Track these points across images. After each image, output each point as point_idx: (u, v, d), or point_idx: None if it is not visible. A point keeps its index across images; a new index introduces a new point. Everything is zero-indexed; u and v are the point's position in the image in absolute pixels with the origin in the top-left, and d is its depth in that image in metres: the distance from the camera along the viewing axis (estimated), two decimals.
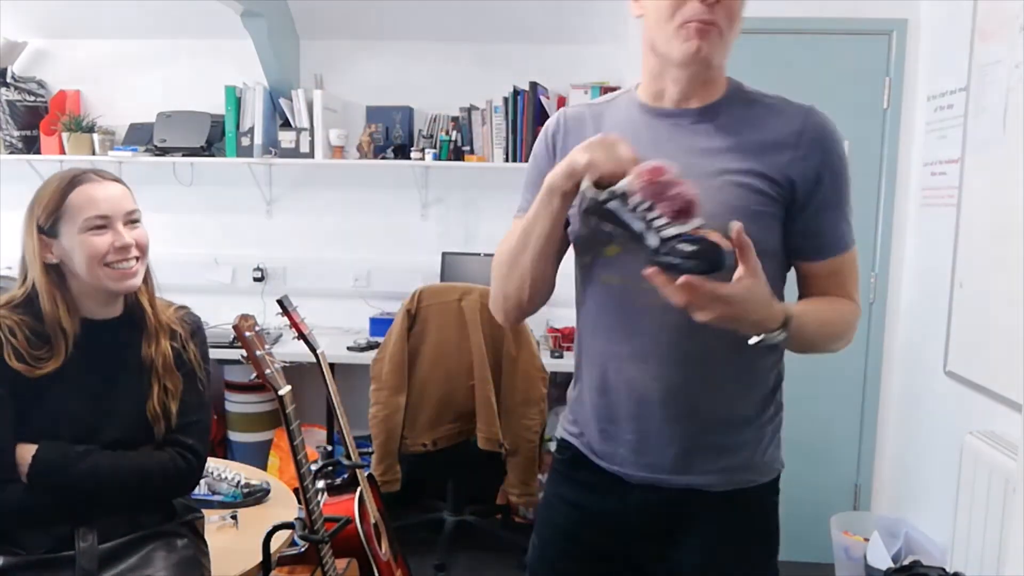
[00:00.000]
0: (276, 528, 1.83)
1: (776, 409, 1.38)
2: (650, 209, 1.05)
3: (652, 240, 1.04)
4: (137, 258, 1.55)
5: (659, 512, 1.28)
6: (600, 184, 1.11)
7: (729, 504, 1.27)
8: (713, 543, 1.28)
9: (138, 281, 1.56)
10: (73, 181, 1.52)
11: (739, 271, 1.04)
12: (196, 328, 1.68)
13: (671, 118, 1.24)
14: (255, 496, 2.15)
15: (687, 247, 1.01)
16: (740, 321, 1.08)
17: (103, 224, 1.50)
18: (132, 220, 1.56)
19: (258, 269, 3.80)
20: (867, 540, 2.83)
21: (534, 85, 3.46)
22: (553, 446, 3.44)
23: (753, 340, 1.11)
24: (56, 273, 1.52)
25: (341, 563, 1.97)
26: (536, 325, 3.41)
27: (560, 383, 3.58)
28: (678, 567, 1.29)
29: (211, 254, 3.81)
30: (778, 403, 1.38)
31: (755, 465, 1.32)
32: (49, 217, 1.50)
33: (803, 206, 1.20)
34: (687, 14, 1.15)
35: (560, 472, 1.39)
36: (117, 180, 1.58)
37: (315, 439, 3.50)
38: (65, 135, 3.60)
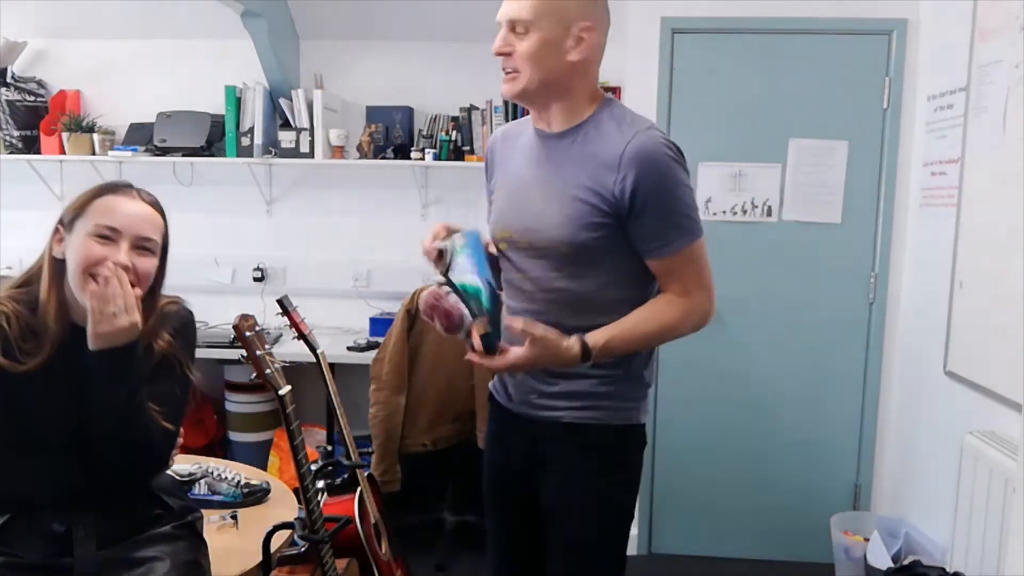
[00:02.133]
0: (276, 528, 1.83)
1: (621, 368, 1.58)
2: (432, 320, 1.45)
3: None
4: (132, 284, 1.45)
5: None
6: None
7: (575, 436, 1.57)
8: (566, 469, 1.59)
9: (118, 320, 1.45)
10: (108, 188, 1.51)
11: (523, 348, 1.42)
12: (183, 324, 1.63)
13: (544, 139, 1.56)
14: (255, 496, 2.15)
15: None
16: (541, 369, 1.50)
17: (109, 236, 1.46)
18: (143, 247, 1.50)
19: (258, 269, 3.80)
20: (867, 540, 2.83)
21: None
22: None
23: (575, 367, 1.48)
24: (59, 268, 1.50)
25: (341, 563, 1.97)
26: None
27: None
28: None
29: (211, 254, 3.81)
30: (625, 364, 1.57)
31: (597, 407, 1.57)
32: (73, 212, 1.50)
33: (628, 216, 1.45)
34: (501, 64, 1.51)
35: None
36: (154, 206, 1.55)
37: (315, 439, 3.49)
38: (65, 135, 3.60)
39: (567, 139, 1.52)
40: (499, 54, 1.49)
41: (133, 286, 1.45)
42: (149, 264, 1.51)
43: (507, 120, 3.45)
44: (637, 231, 1.47)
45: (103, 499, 1.53)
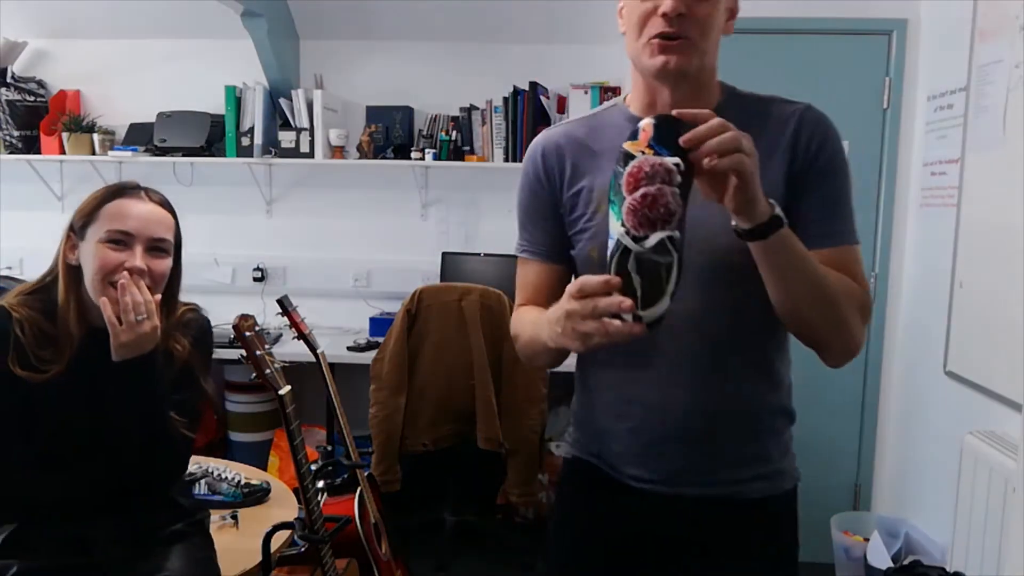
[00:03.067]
0: (276, 528, 1.83)
1: (790, 417, 1.35)
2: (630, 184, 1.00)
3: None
4: (148, 288, 1.45)
5: (682, 522, 1.25)
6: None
7: (757, 511, 1.25)
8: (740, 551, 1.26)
9: (134, 319, 1.46)
10: (117, 191, 1.50)
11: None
12: (202, 332, 1.63)
13: None
14: (255, 496, 2.15)
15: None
16: (750, 182, 1.00)
17: (123, 240, 1.46)
18: (157, 248, 1.50)
19: (258, 269, 3.80)
20: (867, 540, 2.83)
21: (534, 85, 3.46)
22: (553, 446, 3.46)
23: (745, 226, 1.04)
24: (75, 275, 1.50)
25: (341, 563, 1.97)
26: None
27: (560, 383, 3.58)
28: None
29: (211, 254, 3.80)
30: (791, 411, 1.35)
31: (777, 473, 1.29)
32: (84, 219, 1.49)
33: (799, 198, 1.19)
34: (651, 31, 1.16)
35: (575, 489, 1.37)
36: (163, 205, 1.54)
37: (315, 439, 3.49)
38: (65, 135, 3.60)
39: None
40: (677, 15, 1.13)
41: (150, 289, 1.45)
42: (164, 265, 1.51)
43: (507, 120, 3.45)
44: (805, 214, 1.17)
45: (122, 503, 1.54)
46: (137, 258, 1.45)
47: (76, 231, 1.50)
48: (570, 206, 1.27)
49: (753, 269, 1.10)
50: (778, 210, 1.05)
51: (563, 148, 1.30)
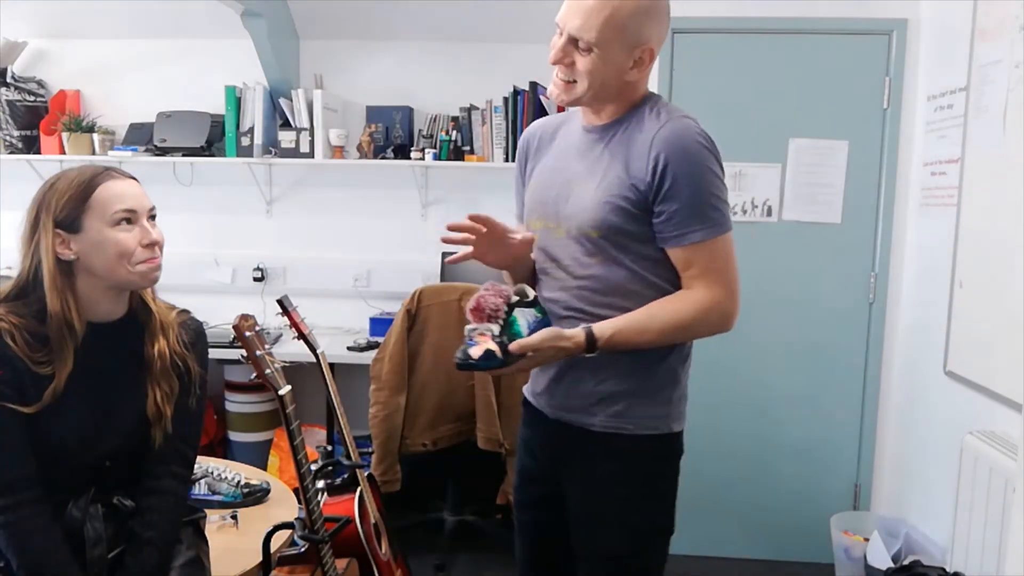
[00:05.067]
0: (276, 528, 1.83)
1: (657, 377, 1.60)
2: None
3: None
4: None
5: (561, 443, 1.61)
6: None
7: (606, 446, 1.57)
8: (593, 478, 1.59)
9: (160, 274, 1.55)
10: (97, 177, 1.49)
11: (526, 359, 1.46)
12: (198, 336, 1.64)
13: (587, 131, 1.59)
14: (255, 496, 2.15)
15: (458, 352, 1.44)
16: (546, 364, 1.53)
17: (130, 219, 1.48)
18: (153, 216, 1.55)
19: (258, 269, 3.80)
20: (867, 540, 2.83)
21: (534, 85, 3.45)
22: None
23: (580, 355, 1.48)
24: (67, 270, 1.47)
25: (341, 563, 1.97)
26: None
27: None
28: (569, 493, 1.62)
29: (211, 254, 3.81)
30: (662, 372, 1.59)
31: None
32: (71, 212, 1.46)
33: (654, 200, 1.47)
34: (555, 70, 1.52)
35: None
36: (133, 178, 1.57)
37: (315, 439, 3.50)
38: (65, 135, 3.60)
39: (610, 131, 1.54)
40: (557, 63, 1.50)
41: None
42: (160, 231, 1.56)
43: (507, 120, 3.46)
44: (661, 216, 1.47)
45: (116, 499, 1.54)
46: (150, 232, 1.51)
47: (64, 226, 1.46)
48: (520, 184, 1.73)
49: (607, 244, 1.51)
50: (589, 334, 1.46)
51: (533, 137, 1.71)
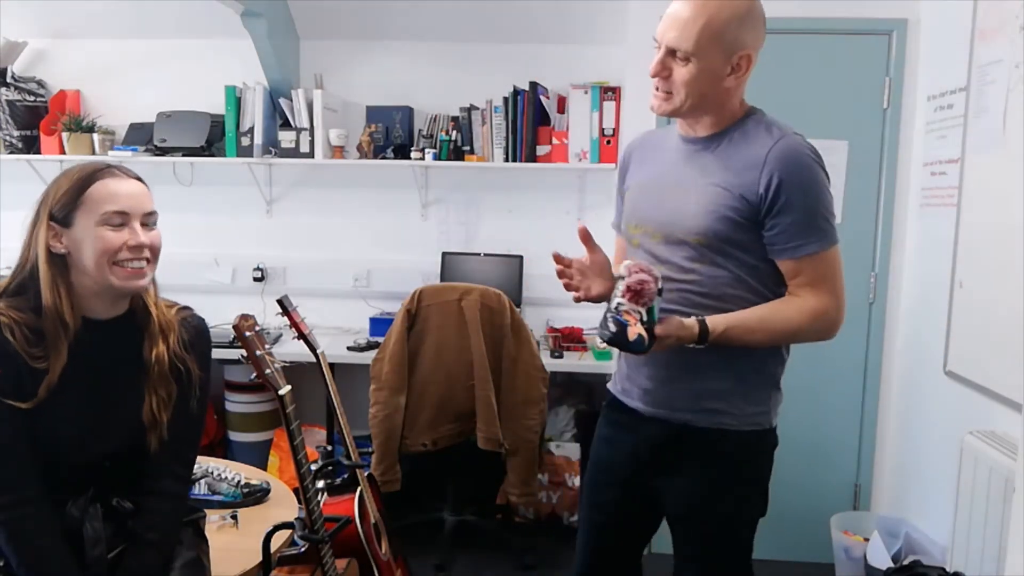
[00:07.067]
0: (276, 528, 1.83)
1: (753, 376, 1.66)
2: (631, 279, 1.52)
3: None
4: (148, 260, 1.51)
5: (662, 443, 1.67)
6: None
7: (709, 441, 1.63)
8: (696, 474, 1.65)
9: (146, 283, 1.53)
10: (96, 173, 1.49)
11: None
12: (199, 334, 1.63)
13: (689, 143, 1.65)
14: (255, 496, 2.15)
15: (611, 325, 1.50)
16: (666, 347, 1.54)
17: (120, 221, 1.47)
18: (148, 222, 1.52)
19: (258, 269, 3.80)
20: (867, 540, 2.83)
21: (534, 85, 3.46)
22: (553, 446, 3.47)
23: (691, 344, 1.54)
24: (61, 264, 1.47)
25: (341, 563, 1.97)
26: (536, 325, 3.41)
27: (560, 383, 3.58)
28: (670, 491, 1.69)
29: (211, 254, 3.81)
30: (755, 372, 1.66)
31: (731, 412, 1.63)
32: (65, 206, 1.46)
33: (767, 214, 1.53)
34: (655, 83, 1.59)
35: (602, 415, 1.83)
36: (138, 179, 1.55)
37: (315, 439, 3.50)
38: (65, 135, 3.60)
39: (713, 143, 1.61)
40: (656, 76, 1.57)
41: (149, 262, 1.51)
42: (157, 236, 1.55)
43: (507, 120, 3.46)
44: (773, 229, 1.54)
45: (115, 500, 1.54)
46: (139, 234, 1.48)
47: (59, 220, 1.46)
48: (620, 192, 1.81)
49: (710, 249, 1.58)
50: (703, 325, 1.51)
51: (635, 148, 1.80)
